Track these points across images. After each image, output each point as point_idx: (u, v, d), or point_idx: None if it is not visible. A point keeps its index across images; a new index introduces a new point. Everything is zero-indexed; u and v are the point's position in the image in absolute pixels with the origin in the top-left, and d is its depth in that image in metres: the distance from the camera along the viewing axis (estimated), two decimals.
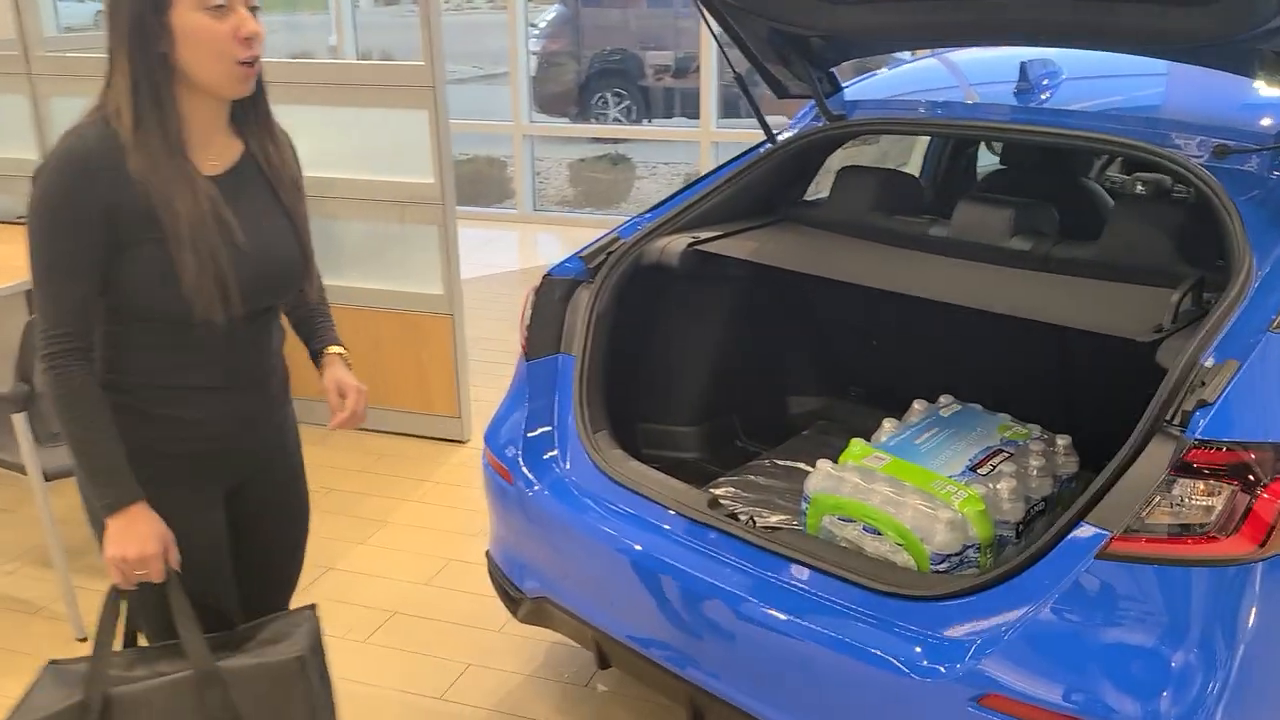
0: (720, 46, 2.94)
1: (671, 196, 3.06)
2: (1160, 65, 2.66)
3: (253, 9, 1.81)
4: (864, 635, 1.97)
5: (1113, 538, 1.80)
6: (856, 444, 2.39)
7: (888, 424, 2.53)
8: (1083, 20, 2.39)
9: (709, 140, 7.78)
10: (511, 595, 2.73)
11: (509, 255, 8.04)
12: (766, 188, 3.05)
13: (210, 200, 1.80)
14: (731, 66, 2.96)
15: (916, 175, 3.96)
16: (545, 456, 2.61)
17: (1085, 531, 1.85)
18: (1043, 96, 2.73)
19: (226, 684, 1.83)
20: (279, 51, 7.19)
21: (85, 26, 7.28)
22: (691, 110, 11.30)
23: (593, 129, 11.36)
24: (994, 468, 2.30)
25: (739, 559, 2.19)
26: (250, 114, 1.91)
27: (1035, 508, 2.30)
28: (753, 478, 2.77)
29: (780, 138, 3.09)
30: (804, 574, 2.10)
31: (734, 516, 2.35)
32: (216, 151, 1.87)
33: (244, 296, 1.84)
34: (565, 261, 2.87)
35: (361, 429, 4.53)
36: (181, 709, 1.82)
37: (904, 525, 2.17)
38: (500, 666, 3.07)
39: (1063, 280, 2.48)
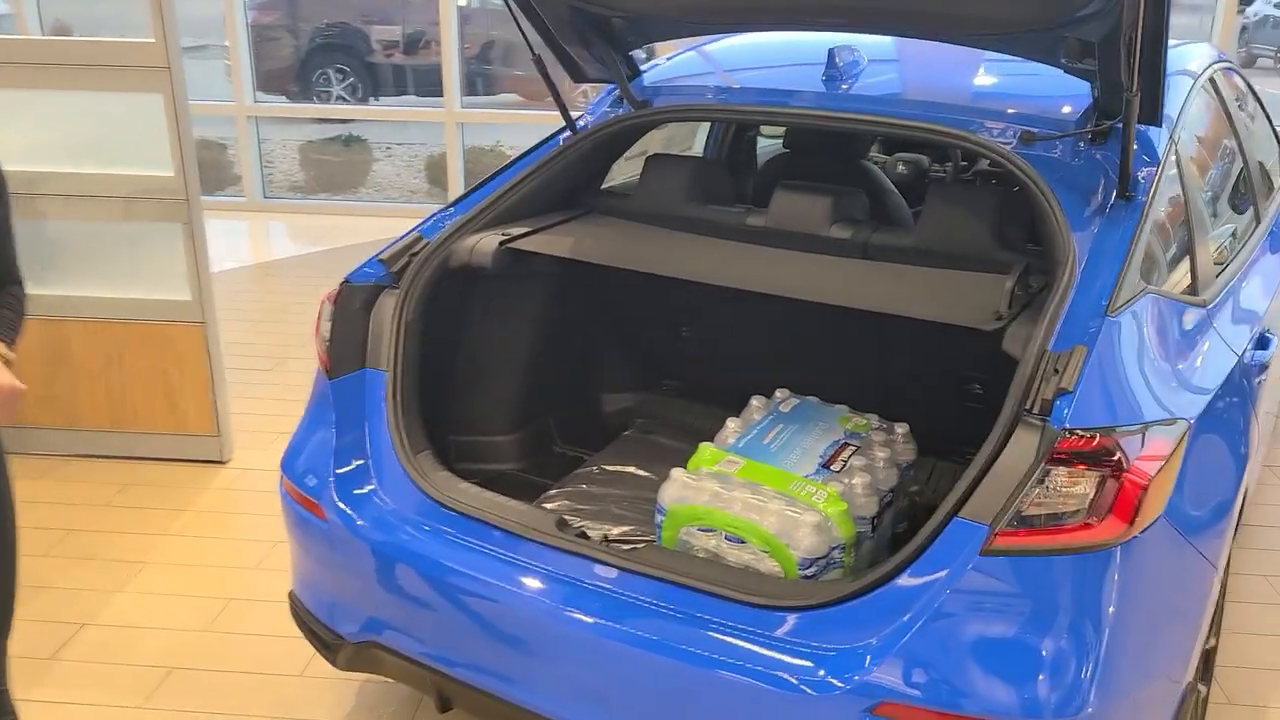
0: (520, 28, 2.73)
1: (474, 190, 2.84)
2: (962, 53, 2.70)
3: None
4: (747, 653, 1.87)
5: (996, 533, 1.79)
6: (706, 448, 2.29)
7: (731, 423, 2.44)
8: (901, 6, 2.38)
9: (455, 121, 7.48)
10: (327, 641, 2.44)
11: (241, 248, 7.43)
12: (572, 178, 2.89)
13: None
14: (530, 48, 2.77)
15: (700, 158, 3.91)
16: (361, 485, 2.34)
17: (962, 527, 1.83)
18: (851, 83, 2.72)
19: None
20: None
21: None
22: (425, 88, 10.94)
23: (327, 109, 10.72)
24: (845, 463, 2.27)
25: (599, 583, 2.04)
26: None
27: (884, 500, 2.28)
28: (584, 487, 2.62)
29: (580, 125, 2.93)
30: (675, 594, 1.98)
31: (584, 535, 2.19)
32: None
33: None
34: (364, 266, 2.60)
35: (102, 455, 4.04)
36: None
37: (769, 532, 2.09)
38: (308, 716, 2.76)
39: (891, 269, 2.47)
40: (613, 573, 2.03)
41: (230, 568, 3.43)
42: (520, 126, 9.81)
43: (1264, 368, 2.50)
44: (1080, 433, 1.80)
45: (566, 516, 2.35)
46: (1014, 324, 2.09)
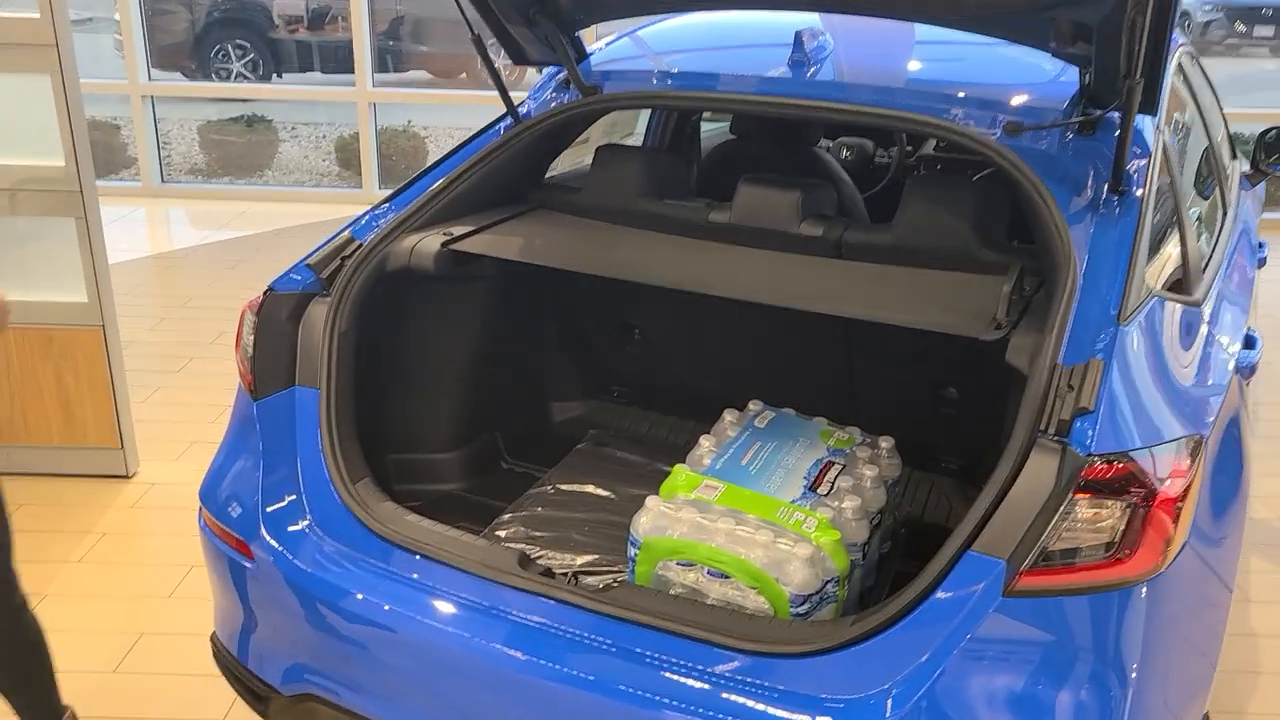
0: (459, 4, 2.47)
1: (409, 184, 2.58)
2: (933, 35, 2.52)
3: None
4: (747, 708, 1.68)
5: (1021, 572, 1.62)
6: (681, 472, 2.09)
7: (705, 442, 2.24)
8: None
9: (367, 100, 7.12)
10: (256, 692, 2.19)
11: (138, 238, 6.97)
12: (517, 171, 2.65)
13: None
14: (470, 28, 2.51)
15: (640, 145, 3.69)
16: (294, 520, 2.09)
17: (976, 563, 1.66)
18: (818, 68, 2.52)
19: None
20: None
21: None
22: (332, 66, 10.48)
23: (229, 88, 10.17)
24: (832, 485, 2.08)
25: (572, 629, 1.82)
26: None
27: (874, 522, 2.11)
28: (540, 511, 2.39)
29: (523, 112, 2.68)
30: (661, 641, 1.77)
31: (549, 574, 1.97)
32: None
33: None
34: (290, 272, 2.33)
35: None
36: None
37: (757, 567, 1.90)
38: None
39: (870, 271, 2.29)
40: (587, 617, 1.82)
41: (141, 598, 3.13)
42: (435, 106, 9.49)
43: (1253, 369, 2.39)
44: (1107, 458, 1.65)
45: (526, 549, 2.13)
46: (1016, 335, 1.93)
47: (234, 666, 2.23)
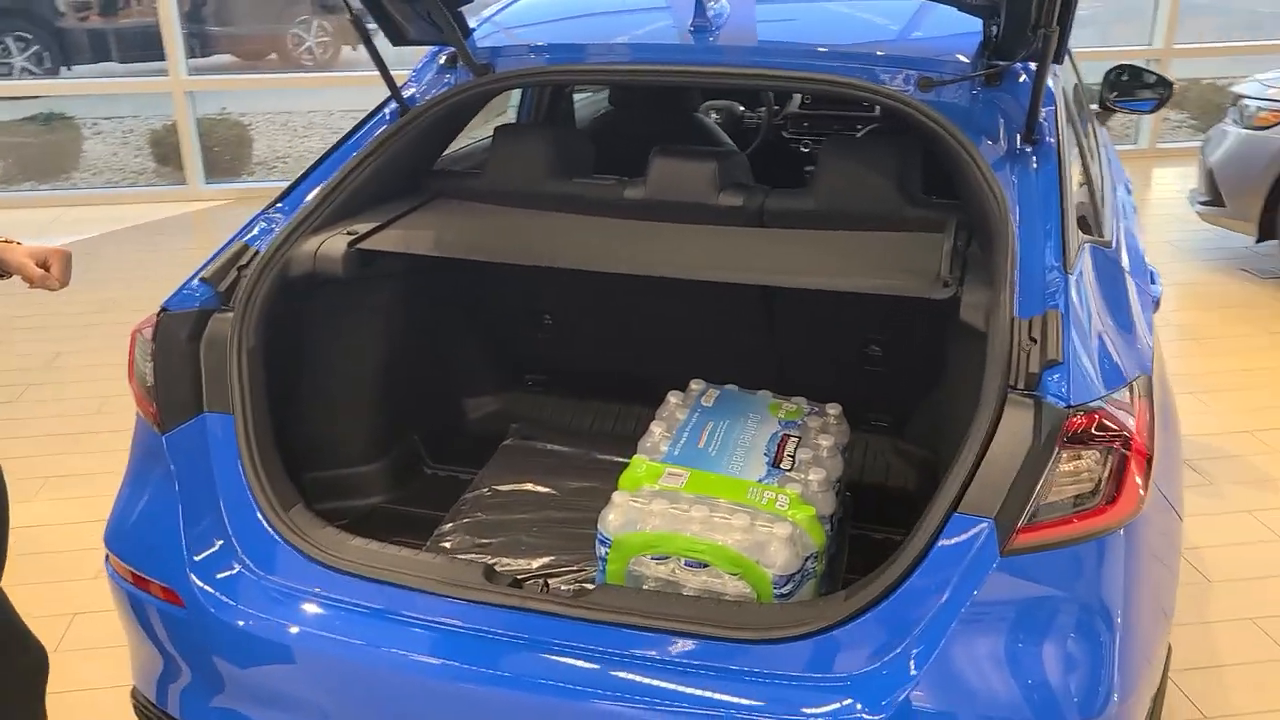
0: None
1: (298, 182, 2.38)
2: None
3: None
4: (759, 697, 1.63)
5: (1019, 529, 1.62)
6: (640, 462, 2.01)
7: (656, 428, 2.16)
8: None
9: (184, 90, 6.64)
10: None
11: None
12: (414, 159, 2.49)
13: None
14: (348, 7, 2.34)
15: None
16: (226, 558, 1.91)
17: (965, 524, 1.66)
18: (719, 34, 2.45)
19: None
20: None
21: None
22: (131, 54, 9.74)
23: (26, 85, 9.27)
24: (793, 459, 2.05)
25: (558, 640, 1.73)
26: None
27: (836, 491, 2.09)
28: (482, 516, 2.27)
29: (408, 96, 2.52)
30: (658, 641, 1.70)
31: (518, 584, 1.87)
32: None
33: None
34: (183, 289, 2.12)
35: None
36: None
37: (737, 552, 1.84)
38: None
39: (801, 238, 2.26)
40: (576, 627, 1.73)
41: None
42: (248, 92, 8.98)
43: (1158, 304, 2.49)
44: (1086, 409, 1.66)
45: (477, 559, 2.02)
46: (966, 291, 1.93)
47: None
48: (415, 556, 1.92)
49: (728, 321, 2.64)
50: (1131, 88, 3.75)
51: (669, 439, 2.10)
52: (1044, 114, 2.25)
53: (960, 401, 2.08)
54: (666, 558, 1.89)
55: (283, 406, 2.20)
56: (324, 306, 2.32)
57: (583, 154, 2.59)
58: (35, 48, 9.80)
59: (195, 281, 2.12)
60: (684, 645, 1.68)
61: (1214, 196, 5.47)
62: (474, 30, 2.61)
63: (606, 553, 1.92)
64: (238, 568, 1.91)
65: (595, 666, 1.70)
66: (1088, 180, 2.42)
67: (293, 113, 9.30)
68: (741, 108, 4.12)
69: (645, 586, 1.91)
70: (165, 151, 7.50)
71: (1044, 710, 1.58)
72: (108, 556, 2.08)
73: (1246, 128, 5.28)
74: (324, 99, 9.30)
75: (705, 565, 1.87)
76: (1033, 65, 2.32)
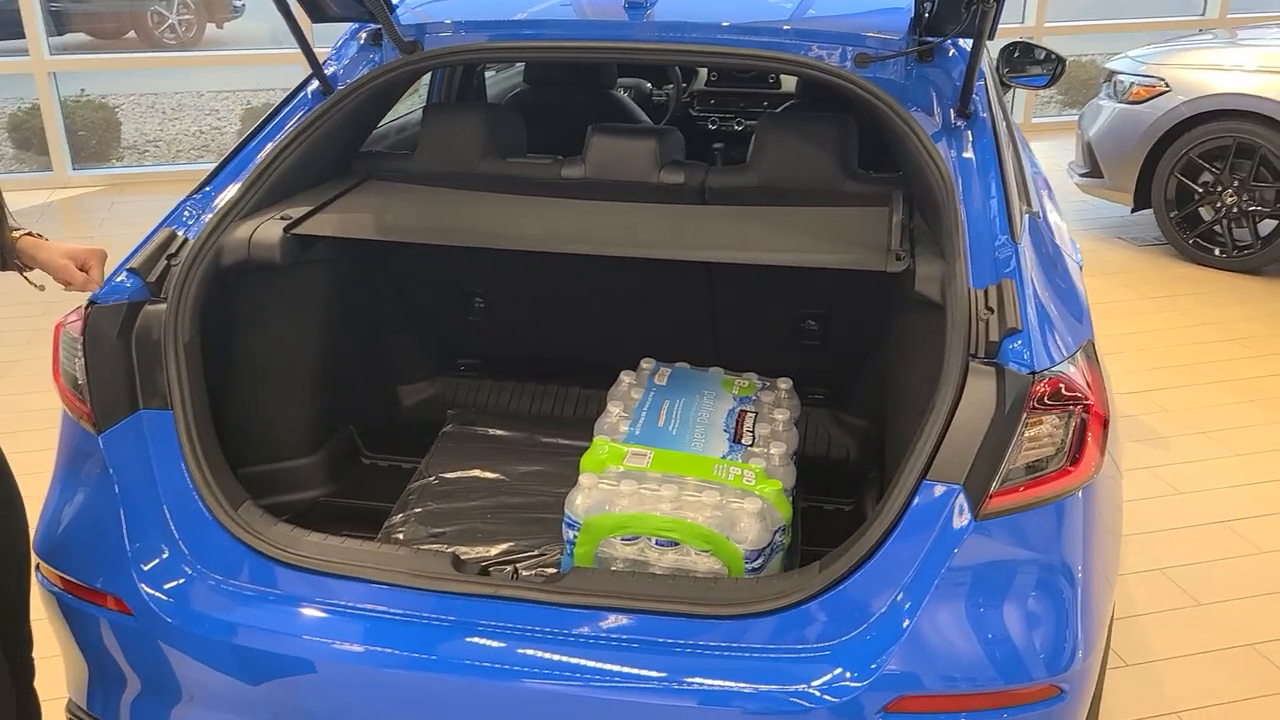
0: None
1: (222, 166, 2.27)
2: None
3: None
4: (744, 672, 1.63)
5: (991, 493, 1.66)
6: (603, 444, 1.99)
7: (614, 408, 2.14)
8: None
9: (46, 70, 6.27)
10: None
11: None
12: (343, 140, 2.40)
13: None
14: None
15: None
16: (174, 563, 1.82)
17: (942, 492, 1.69)
18: (653, 9, 2.43)
19: None
20: None
21: None
22: None
23: None
24: (753, 434, 2.06)
25: (536, 627, 1.70)
26: None
27: (795, 463, 2.11)
28: (432, 505, 2.22)
29: (330, 75, 2.43)
30: (636, 621, 1.69)
31: (485, 571, 1.84)
32: None
33: None
34: (110, 281, 2.00)
35: None
36: None
37: (708, 529, 1.85)
38: None
39: (746, 214, 2.26)
40: (554, 612, 1.70)
41: None
42: (108, 73, 8.54)
43: (1081, 267, 2.58)
44: (1048, 374, 1.71)
45: (434, 549, 1.98)
46: (919, 263, 1.97)
47: None
48: (378, 549, 1.87)
49: (666, 299, 2.63)
50: (1023, 64, 3.86)
51: (628, 419, 2.09)
52: (976, 88, 2.31)
53: (910, 371, 2.12)
54: (636, 538, 1.88)
55: (220, 400, 2.11)
56: (259, 294, 2.23)
57: (516, 133, 2.54)
58: None
59: (123, 271, 2.01)
60: (667, 625, 1.68)
61: (1092, 168, 5.71)
62: (397, 6, 2.53)
63: (575, 535, 1.90)
64: (189, 571, 1.82)
65: (577, 651, 1.68)
66: (1015, 153, 2.49)
67: (159, 94, 8.87)
68: (649, 85, 4.11)
69: (614, 568, 1.90)
70: (26, 136, 7.07)
71: (1010, 668, 1.63)
72: (38, 565, 1.96)
73: (1121, 102, 5.53)
74: (191, 79, 8.89)
75: (675, 544, 1.87)
76: (962, 41, 2.39)
